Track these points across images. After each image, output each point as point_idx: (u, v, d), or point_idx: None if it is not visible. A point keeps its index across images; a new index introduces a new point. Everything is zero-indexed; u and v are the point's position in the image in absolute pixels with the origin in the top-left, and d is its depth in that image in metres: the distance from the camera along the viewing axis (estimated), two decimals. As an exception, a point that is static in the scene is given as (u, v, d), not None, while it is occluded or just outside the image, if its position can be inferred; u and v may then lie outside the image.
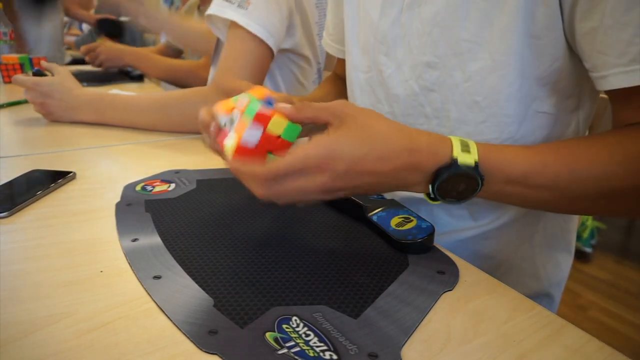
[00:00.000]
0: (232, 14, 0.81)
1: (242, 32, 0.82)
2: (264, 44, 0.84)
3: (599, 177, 0.41)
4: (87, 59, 1.65)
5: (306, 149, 0.37)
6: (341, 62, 0.78)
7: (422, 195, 0.58)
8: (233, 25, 0.83)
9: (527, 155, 0.42)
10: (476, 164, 0.40)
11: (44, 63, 0.93)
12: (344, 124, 0.39)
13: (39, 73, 0.91)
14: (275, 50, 0.86)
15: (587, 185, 0.42)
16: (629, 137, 0.42)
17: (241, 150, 0.40)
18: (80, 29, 3.38)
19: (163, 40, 1.86)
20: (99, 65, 1.63)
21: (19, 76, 0.88)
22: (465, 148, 0.41)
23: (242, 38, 0.83)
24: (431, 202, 0.44)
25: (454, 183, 0.40)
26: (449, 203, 0.42)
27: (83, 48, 1.66)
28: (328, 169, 0.37)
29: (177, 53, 1.84)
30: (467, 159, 0.40)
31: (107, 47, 1.63)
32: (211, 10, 0.84)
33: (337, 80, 0.81)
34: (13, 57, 1.41)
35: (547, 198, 0.43)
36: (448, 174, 0.39)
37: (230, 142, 0.41)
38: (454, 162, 0.40)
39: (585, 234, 2.05)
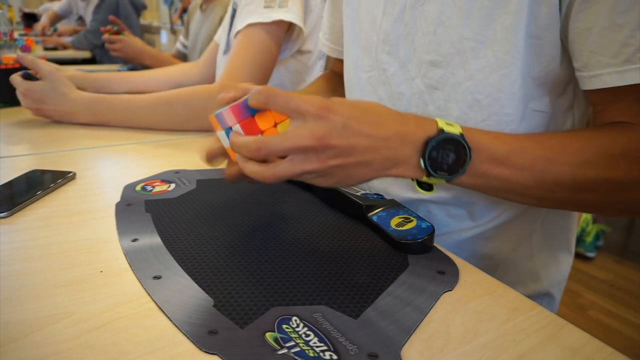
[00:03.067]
0: (277, 15, 0.85)
1: (259, 32, 0.85)
2: (279, 40, 0.88)
3: (573, 164, 0.43)
4: (106, 46, 1.65)
5: (306, 97, 0.38)
6: (337, 60, 0.79)
7: (420, 196, 0.58)
8: (247, 26, 0.86)
9: (507, 138, 0.44)
10: (461, 134, 0.42)
11: (26, 60, 0.87)
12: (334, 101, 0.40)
13: (29, 76, 0.87)
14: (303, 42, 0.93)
15: (563, 170, 0.43)
16: (602, 133, 0.44)
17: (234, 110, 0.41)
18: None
19: (178, 45, 1.86)
20: (116, 55, 1.65)
21: (15, 76, 0.86)
22: (449, 123, 0.43)
23: (257, 38, 0.86)
24: (423, 192, 0.44)
25: (444, 152, 0.41)
26: (440, 178, 0.42)
27: (106, 36, 1.65)
28: (327, 118, 0.38)
29: (186, 59, 1.84)
30: (452, 129, 0.42)
31: (129, 42, 1.63)
32: (252, 19, 0.86)
33: (333, 76, 0.81)
34: (13, 57, 1.41)
35: (529, 183, 0.44)
36: (437, 140, 0.41)
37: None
38: (441, 131, 0.41)
39: (589, 238, 2.05)
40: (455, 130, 0.42)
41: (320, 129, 0.37)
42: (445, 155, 0.41)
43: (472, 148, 0.42)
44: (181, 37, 1.86)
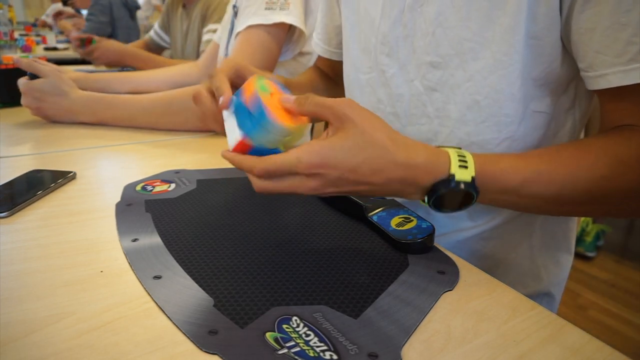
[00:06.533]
0: (278, 17, 0.85)
1: (260, 34, 0.86)
2: (280, 42, 0.89)
3: (588, 180, 0.42)
4: (86, 58, 1.64)
5: (299, 152, 0.37)
6: (322, 58, 0.80)
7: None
8: (248, 28, 0.87)
9: (522, 166, 0.43)
10: (472, 179, 0.40)
11: (22, 63, 0.88)
12: (343, 127, 0.38)
13: (33, 76, 0.87)
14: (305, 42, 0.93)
15: (577, 188, 0.42)
16: (613, 140, 0.43)
17: (242, 146, 0.41)
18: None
19: (152, 33, 1.83)
20: (99, 63, 1.63)
21: (21, 79, 0.87)
22: (463, 163, 0.40)
23: (257, 39, 0.86)
24: (426, 205, 0.45)
25: (450, 198, 0.41)
26: (443, 213, 0.43)
27: (75, 37, 1.63)
28: (320, 175, 0.38)
29: (159, 49, 1.82)
30: (464, 175, 0.40)
31: (106, 46, 1.61)
32: (253, 20, 0.86)
33: (318, 71, 0.82)
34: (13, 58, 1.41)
35: (540, 204, 0.44)
36: (444, 190, 0.40)
37: (233, 138, 0.42)
38: (451, 179, 0.40)
39: (589, 238, 2.04)
40: (467, 175, 0.40)
41: (312, 184, 0.38)
42: (452, 200, 0.41)
43: (482, 186, 0.41)
44: (156, 27, 1.79)
